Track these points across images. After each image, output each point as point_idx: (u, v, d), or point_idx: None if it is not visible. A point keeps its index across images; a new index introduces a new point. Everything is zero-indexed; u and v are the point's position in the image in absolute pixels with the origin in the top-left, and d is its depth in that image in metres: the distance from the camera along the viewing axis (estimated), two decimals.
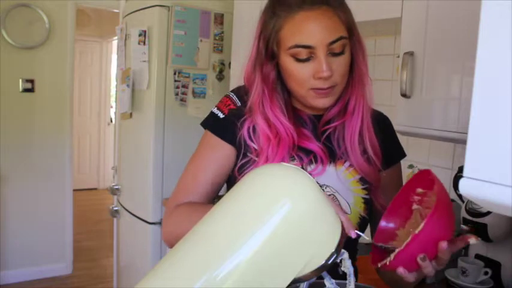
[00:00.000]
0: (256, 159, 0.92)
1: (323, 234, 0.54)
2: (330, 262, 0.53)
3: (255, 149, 0.92)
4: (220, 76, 2.40)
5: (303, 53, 0.83)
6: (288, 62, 0.86)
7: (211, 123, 0.97)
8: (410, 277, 0.73)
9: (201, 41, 2.29)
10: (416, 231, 0.68)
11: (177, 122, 2.31)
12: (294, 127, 0.92)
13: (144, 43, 2.25)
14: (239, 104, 0.95)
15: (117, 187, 2.57)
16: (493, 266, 1.32)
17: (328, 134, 0.95)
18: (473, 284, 1.29)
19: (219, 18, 2.34)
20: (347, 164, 0.94)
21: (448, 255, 0.72)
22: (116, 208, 2.59)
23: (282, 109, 0.92)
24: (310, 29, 0.82)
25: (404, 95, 1.26)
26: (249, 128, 0.93)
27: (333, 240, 0.54)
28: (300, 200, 0.52)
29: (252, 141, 0.92)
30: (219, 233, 0.52)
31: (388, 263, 0.71)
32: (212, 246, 0.51)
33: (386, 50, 1.82)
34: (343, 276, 0.62)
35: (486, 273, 1.29)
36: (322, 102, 0.88)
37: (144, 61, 2.26)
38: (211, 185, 0.95)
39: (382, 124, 0.98)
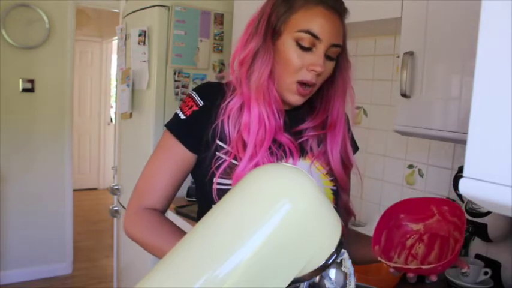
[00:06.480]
0: (229, 148, 0.91)
1: (323, 234, 0.54)
2: (330, 262, 0.53)
3: (230, 138, 0.91)
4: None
5: (308, 42, 0.87)
6: (288, 46, 0.88)
7: (172, 124, 0.96)
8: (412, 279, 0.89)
9: (201, 41, 2.29)
10: (449, 258, 0.80)
11: None
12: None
13: (144, 43, 2.25)
14: (201, 104, 0.93)
15: (117, 187, 2.57)
16: (493, 266, 1.32)
17: (302, 140, 0.96)
18: (473, 284, 1.29)
19: (219, 18, 2.34)
20: (314, 159, 0.97)
21: None
22: (116, 208, 2.59)
23: (278, 95, 0.93)
24: (323, 24, 0.87)
25: (404, 95, 1.26)
26: (230, 112, 0.91)
27: (333, 240, 0.54)
28: (300, 200, 0.52)
29: (228, 127, 0.91)
30: (219, 233, 0.52)
31: (410, 269, 0.86)
32: (212, 246, 0.51)
33: (386, 50, 1.82)
34: None
35: (486, 273, 1.29)
36: (297, 99, 0.91)
37: (144, 61, 2.26)
38: (168, 187, 0.96)
39: (347, 123, 1.03)
